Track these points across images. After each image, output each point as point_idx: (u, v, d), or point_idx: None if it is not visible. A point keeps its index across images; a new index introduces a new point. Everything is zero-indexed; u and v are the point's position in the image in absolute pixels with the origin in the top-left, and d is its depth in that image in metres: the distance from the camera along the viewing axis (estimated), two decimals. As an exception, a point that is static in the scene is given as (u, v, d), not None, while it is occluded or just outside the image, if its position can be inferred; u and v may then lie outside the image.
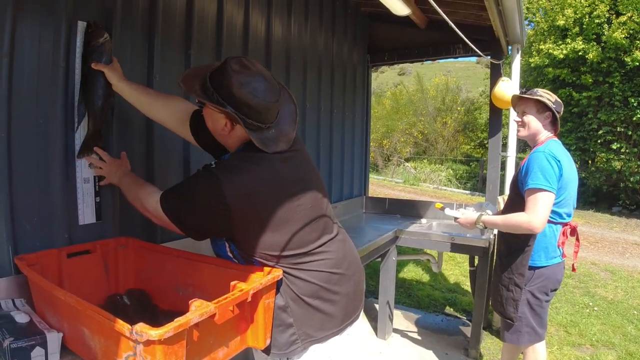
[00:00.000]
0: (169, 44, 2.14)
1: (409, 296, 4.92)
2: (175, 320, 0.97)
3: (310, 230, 1.46)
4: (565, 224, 2.36)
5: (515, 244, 2.38)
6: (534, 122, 2.40)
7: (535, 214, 2.19)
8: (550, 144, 2.32)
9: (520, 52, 4.01)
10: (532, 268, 2.36)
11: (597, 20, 10.66)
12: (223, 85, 1.35)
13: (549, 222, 2.29)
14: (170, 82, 2.14)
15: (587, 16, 10.86)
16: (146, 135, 2.05)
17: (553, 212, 2.29)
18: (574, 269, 2.54)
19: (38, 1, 1.54)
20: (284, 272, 1.41)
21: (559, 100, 2.39)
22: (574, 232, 2.40)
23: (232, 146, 1.52)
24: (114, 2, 1.83)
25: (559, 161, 2.23)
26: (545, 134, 2.40)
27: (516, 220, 2.28)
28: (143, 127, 2.04)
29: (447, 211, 2.84)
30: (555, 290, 2.43)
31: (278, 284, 1.41)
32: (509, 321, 2.42)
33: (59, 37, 1.61)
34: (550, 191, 2.18)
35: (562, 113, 2.41)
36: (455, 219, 2.72)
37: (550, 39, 11.66)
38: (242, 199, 1.34)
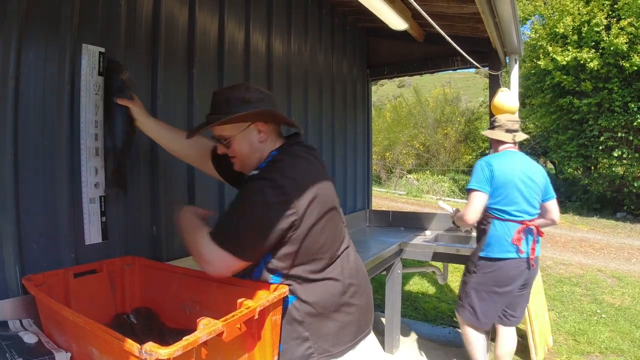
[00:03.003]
0: (171, 64, 2.17)
1: (415, 309, 4.89)
2: (184, 339, 0.98)
3: (335, 235, 1.48)
4: (521, 222, 2.64)
5: (477, 236, 2.86)
6: (493, 143, 2.97)
7: (467, 209, 2.71)
8: (498, 154, 2.82)
9: (518, 62, 4.03)
10: (485, 258, 2.73)
11: (595, 28, 10.72)
12: (232, 103, 1.41)
13: (499, 218, 2.68)
14: (173, 102, 2.17)
15: (585, 24, 10.93)
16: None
17: (499, 209, 2.69)
18: (532, 265, 2.69)
19: (43, 24, 1.58)
20: (303, 279, 1.40)
21: (510, 119, 2.88)
22: (540, 232, 2.69)
23: (265, 152, 1.50)
24: (118, 24, 1.87)
25: (491, 165, 2.69)
26: (503, 147, 2.85)
27: (460, 213, 2.84)
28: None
29: (441, 203, 3.20)
30: (508, 287, 2.67)
31: (294, 296, 1.40)
32: (458, 299, 2.89)
33: (64, 58, 1.64)
34: (478, 190, 2.69)
35: (515, 124, 2.87)
36: (453, 215, 3.11)
37: (558, 44, 11.70)
38: (302, 193, 1.36)
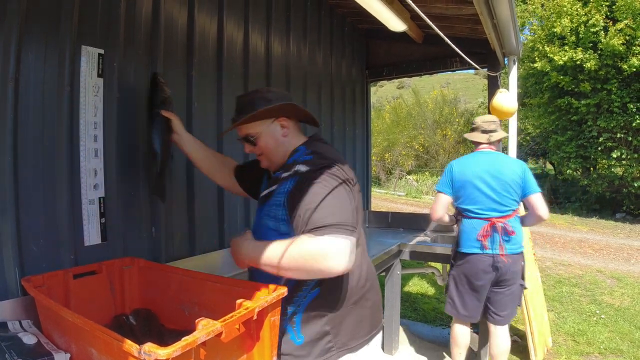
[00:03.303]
0: (170, 66, 2.18)
1: (414, 310, 4.90)
2: (183, 339, 0.98)
3: (360, 221, 1.53)
4: (487, 219, 2.80)
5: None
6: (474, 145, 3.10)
7: (432, 207, 3.05)
8: (466, 155, 3.05)
9: (516, 63, 4.04)
10: (458, 253, 2.94)
11: (592, 29, 10.74)
12: (256, 103, 1.52)
13: (465, 216, 2.90)
14: (173, 104, 2.17)
15: (582, 25, 10.95)
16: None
17: (464, 208, 2.90)
18: (504, 261, 2.77)
19: (43, 25, 1.58)
20: None
21: (486, 120, 3.02)
22: (507, 231, 2.77)
23: (290, 147, 1.58)
24: (117, 25, 1.87)
25: (452, 168, 2.97)
26: (479, 148, 3.01)
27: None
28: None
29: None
30: (479, 281, 2.82)
31: (318, 288, 1.44)
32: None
33: (64, 60, 1.65)
34: (440, 191, 3.02)
35: (491, 125, 3.00)
36: None
37: (555, 44, 11.71)
38: (351, 175, 1.45)
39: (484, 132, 3.00)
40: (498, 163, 2.85)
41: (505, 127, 4.20)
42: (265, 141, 1.56)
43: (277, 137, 1.57)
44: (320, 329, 1.45)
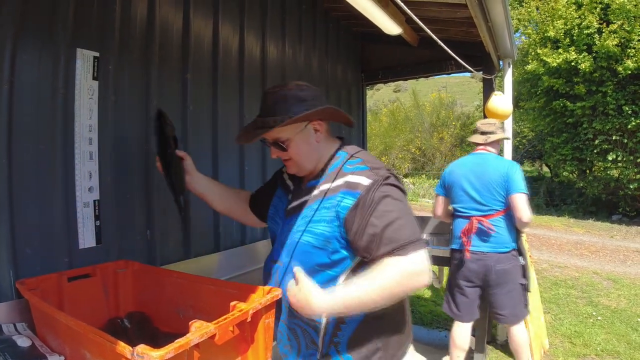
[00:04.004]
0: (166, 69, 2.18)
1: (411, 313, 4.89)
2: (176, 341, 0.98)
3: None
4: (467, 217, 2.95)
5: None
6: None
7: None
8: (460, 157, 3.25)
9: (511, 66, 4.06)
10: (450, 250, 3.15)
11: (586, 31, 10.79)
12: (289, 103, 1.36)
13: (454, 215, 3.09)
14: (167, 107, 2.17)
15: (576, 27, 11.00)
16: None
17: (454, 208, 3.10)
18: (479, 258, 2.90)
19: (38, 28, 1.58)
20: None
21: (485, 123, 3.18)
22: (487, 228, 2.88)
23: (325, 152, 1.46)
24: (112, 28, 1.87)
25: (445, 170, 3.20)
26: (476, 149, 3.15)
27: None
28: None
29: None
30: (464, 280, 2.95)
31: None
32: None
33: (59, 63, 1.65)
34: (436, 192, 3.30)
35: (490, 126, 3.13)
36: None
37: (547, 47, 11.76)
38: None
39: (482, 133, 3.13)
40: (484, 164, 2.98)
41: (501, 130, 4.22)
42: (296, 147, 1.41)
43: (311, 143, 1.42)
44: (373, 346, 1.37)
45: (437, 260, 3.45)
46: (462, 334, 3.06)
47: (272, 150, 1.45)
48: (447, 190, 3.15)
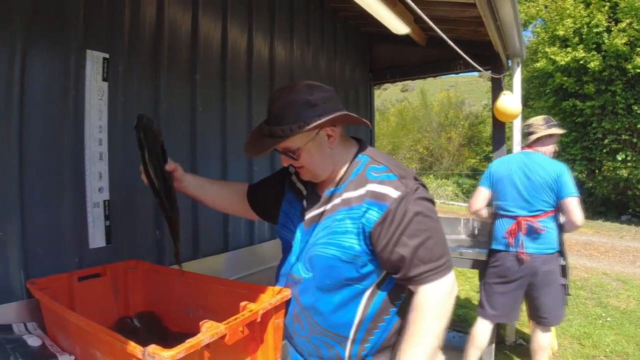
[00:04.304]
0: (174, 70, 2.19)
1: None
2: (187, 341, 0.98)
3: None
4: (513, 217, 2.87)
5: None
6: None
7: (470, 200, 3.24)
8: (509, 154, 3.25)
9: (520, 65, 4.03)
10: (490, 250, 3.04)
11: (595, 30, 10.71)
12: (297, 109, 1.24)
13: (497, 214, 3.02)
14: (177, 107, 2.19)
15: (585, 26, 10.92)
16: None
17: (498, 205, 3.03)
18: (523, 260, 2.81)
19: (48, 30, 1.60)
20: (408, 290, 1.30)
21: (526, 124, 3.15)
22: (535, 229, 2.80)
23: (341, 157, 1.36)
24: (121, 31, 1.88)
25: (491, 165, 3.15)
26: (523, 149, 3.15)
27: None
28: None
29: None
30: (503, 278, 2.87)
31: (397, 316, 1.32)
32: None
33: (69, 64, 1.67)
34: (480, 185, 3.16)
35: (529, 127, 3.07)
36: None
37: (556, 45, 11.69)
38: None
39: (526, 135, 3.11)
40: (533, 164, 2.89)
41: (510, 130, 4.20)
42: (309, 155, 1.30)
43: (324, 150, 1.31)
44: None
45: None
46: (484, 333, 2.98)
47: (282, 158, 1.35)
48: (493, 186, 3.05)
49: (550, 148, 3.03)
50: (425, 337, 1.15)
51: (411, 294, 1.25)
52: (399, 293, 1.32)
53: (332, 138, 1.32)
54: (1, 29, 1.45)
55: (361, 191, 1.26)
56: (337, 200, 1.31)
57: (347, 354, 1.30)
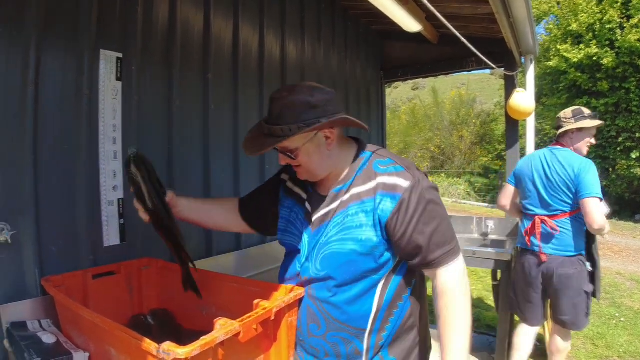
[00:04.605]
0: (187, 69, 2.20)
1: (431, 312, 4.82)
2: (201, 338, 0.98)
3: None
4: (532, 216, 2.82)
5: None
6: None
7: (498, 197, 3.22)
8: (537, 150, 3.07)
9: (533, 62, 3.99)
10: (515, 248, 3.07)
11: (608, 26, 10.58)
12: (298, 110, 1.24)
13: (522, 212, 2.96)
14: (190, 106, 2.19)
15: (598, 22, 10.80)
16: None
17: (522, 204, 2.98)
18: (543, 260, 2.74)
19: (61, 30, 1.61)
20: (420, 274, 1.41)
21: (558, 116, 2.97)
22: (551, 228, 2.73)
23: (341, 157, 1.37)
24: (134, 31, 1.89)
25: (520, 161, 3.10)
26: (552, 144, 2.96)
27: None
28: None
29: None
30: (528, 280, 2.81)
31: (409, 299, 1.37)
32: None
33: (83, 64, 1.68)
34: (507, 182, 3.15)
35: (558, 121, 2.92)
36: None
37: (568, 42, 11.57)
38: None
39: (556, 129, 2.97)
40: (555, 161, 2.77)
41: (523, 127, 4.17)
42: (307, 155, 1.32)
43: (322, 151, 1.32)
44: (412, 343, 1.39)
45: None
46: (524, 335, 2.90)
47: (280, 157, 1.36)
48: (517, 183, 3.02)
49: (582, 144, 2.82)
50: (462, 317, 1.26)
51: (421, 279, 1.39)
52: (411, 278, 1.37)
53: (330, 140, 1.33)
54: (15, 29, 1.47)
55: (371, 184, 1.29)
56: (345, 197, 1.33)
57: (365, 346, 1.32)
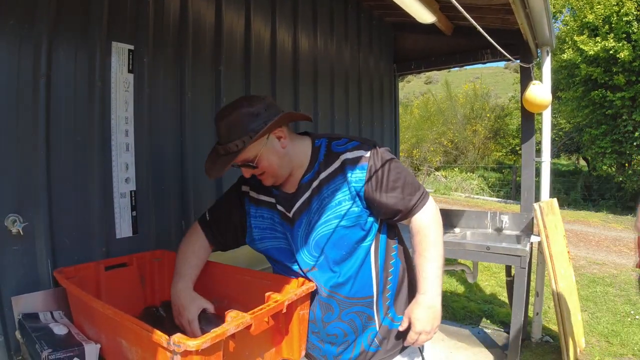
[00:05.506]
0: (199, 61, 2.19)
1: (443, 308, 4.81)
2: (212, 330, 0.98)
3: None
4: None
5: None
6: None
7: None
8: None
9: (550, 54, 3.92)
10: None
11: (625, 19, 10.39)
12: (243, 122, 1.31)
13: None
14: (201, 98, 2.19)
15: (615, 15, 10.61)
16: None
17: None
18: None
19: (73, 22, 1.60)
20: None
21: None
22: None
23: (298, 151, 1.43)
24: (146, 23, 1.89)
25: None
26: None
27: None
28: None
29: None
30: None
31: (399, 259, 1.51)
32: None
33: (94, 56, 1.67)
34: None
35: None
36: None
37: (585, 34, 11.41)
38: None
39: None
40: None
41: (539, 122, 4.10)
42: (267, 161, 1.37)
43: (278, 151, 1.38)
44: (407, 296, 1.52)
45: (472, 255, 3.35)
46: None
47: (243, 171, 1.41)
48: None
49: None
50: (435, 248, 1.40)
51: (401, 241, 1.55)
52: (393, 237, 1.52)
53: (283, 139, 1.40)
54: (27, 22, 1.46)
55: (337, 164, 1.39)
56: (315, 183, 1.41)
57: (375, 310, 1.45)
